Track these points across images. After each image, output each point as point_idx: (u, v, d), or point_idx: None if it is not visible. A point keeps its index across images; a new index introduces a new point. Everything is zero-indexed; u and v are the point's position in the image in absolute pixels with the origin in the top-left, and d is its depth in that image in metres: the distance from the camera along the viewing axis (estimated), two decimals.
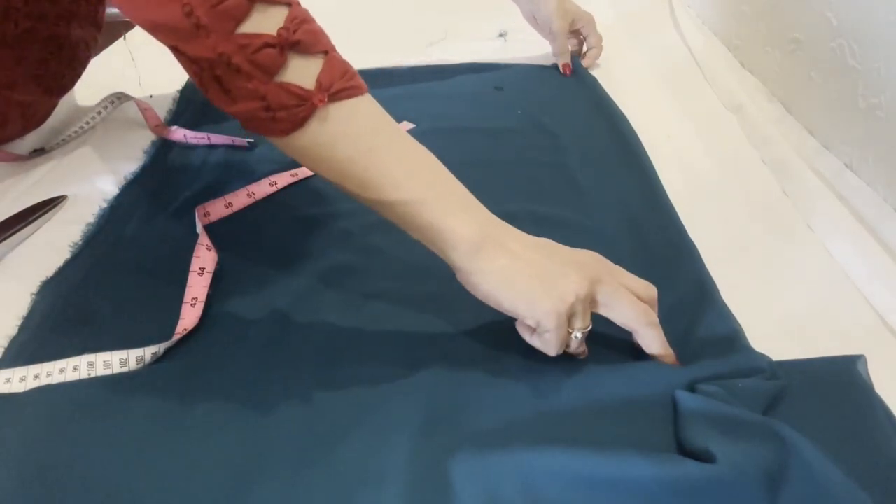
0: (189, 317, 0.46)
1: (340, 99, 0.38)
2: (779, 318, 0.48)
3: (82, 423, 0.39)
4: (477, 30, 0.97)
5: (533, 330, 0.41)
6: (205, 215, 0.56)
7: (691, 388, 0.40)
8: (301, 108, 0.37)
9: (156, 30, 0.36)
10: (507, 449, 0.36)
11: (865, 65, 0.59)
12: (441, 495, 0.35)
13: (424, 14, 1.02)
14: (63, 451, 0.38)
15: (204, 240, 0.51)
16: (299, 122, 0.37)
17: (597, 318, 0.41)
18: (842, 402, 0.39)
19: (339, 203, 0.59)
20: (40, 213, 0.57)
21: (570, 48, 0.82)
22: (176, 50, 0.36)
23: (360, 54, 0.82)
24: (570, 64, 0.82)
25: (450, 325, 0.47)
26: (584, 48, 0.86)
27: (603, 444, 0.37)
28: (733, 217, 0.59)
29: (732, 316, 0.47)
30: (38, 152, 0.66)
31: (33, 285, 0.50)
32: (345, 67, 0.39)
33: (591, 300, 0.39)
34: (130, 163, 0.65)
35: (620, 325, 0.41)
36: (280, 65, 0.36)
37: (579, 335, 0.40)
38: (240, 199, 0.59)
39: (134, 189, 0.62)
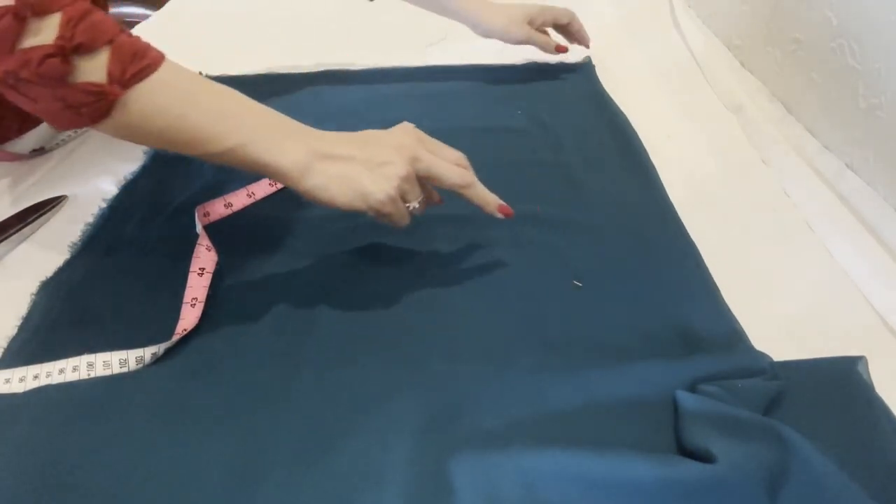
0: (189, 317, 0.46)
1: (136, 82, 0.39)
2: (779, 318, 0.47)
3: (82, 423, 0.39)
4: None
5: (380, 213, 0.45)
6: (204, 215, 0.56)
7: (691, 388, 0.40)
8: (100, 103, 0.38)
9: None
10: (507, 449, 0.36)
11: (866, 65, 0.59)
12: (441, 495, 0.35)
13: (424, 14, 1.02)
14: (63, 451, 0.38)
15: (204, 240, 0.51)
16: (104, 114, 0.38)
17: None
18: (842, 403, 0.39)
19: None
20: (40, 213, 0.57)
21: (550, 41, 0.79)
22: None
23: (360, 54, 0.82)
24: (562, 46, 0.79)
25: (450, 325, 0.47)
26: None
27: (603, 444, 0.37)
28: (733, 217, 0.59)
29: (732, 316, 0.47)
30: (38, 152, 0.66)
31: (33, 285, 0.50)
32: (133, 49, 0.39)
33: (416, 174, 0.45)
34: (130, 163, 0.65)
35: (447, 188, 0.46)
36: (66, 71, 0.37)
37: (416, 205, 0.46)
38: (240, 199, 0.59)
39: (134, 189, 0.62)
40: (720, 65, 0.84)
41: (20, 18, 0.35)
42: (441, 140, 0.69)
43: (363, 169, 0.44)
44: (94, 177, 0.63)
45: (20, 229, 0.55)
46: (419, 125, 0.71)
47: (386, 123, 0.71)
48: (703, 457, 0.35)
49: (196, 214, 0.55)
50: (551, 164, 0.65)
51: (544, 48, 0.79)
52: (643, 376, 0.41)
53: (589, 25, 0.81)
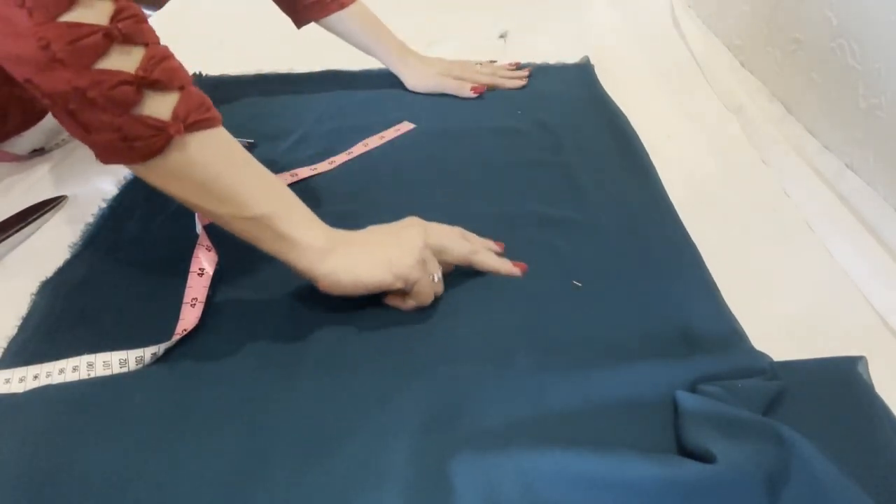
0: (189, 317, 0.46)
1: (196, 130, 0.39)
2: (779, 318, 0.48)
3: (82, 424, 0.39)
4: (477, 30, 0.97)
5: (404, 294, 0.46)
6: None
7: (691, 388, 0.40)
8: (157, 137, 0.38)
9: (8, 61, 0.36)
10: (507, 449, 0.36)
11: (866, 65, 0.59)
12: (441, 495, 0.35)
13: (425, 14, 1.02)
14: (63, 452, 0.38)
15: (204, 240, 0.51)
16: (157, 151, 0.39)
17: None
18: (842, 403, 0.39)
19: (339, 203, 0.59)
20: (40, 213, 0.57)
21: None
22: (29, 82, 0.36)
23: (361, 55, 0.82)
24: (478, 87, 0.78)
25: (450, 325, 0.47)
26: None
27: (603, 444, 0.37)
28: (733, 217, 0.59)
29: (732, 316, 0.47)
30: (38, 152, 0.66)
31: (33, 285, 0.50)
32: (201, 100, 0.41)
33: (431, 248, 0.47)
34: None
35: (456, 261, 0.49)
36: (136, 101, 0.37)
37: (437, 275, 0.47)
38: None
39: (134, 189, 0.62)
40: (720, 65, 0.84)
41: (108, 39, 0.36)
42: (442, 140, 0.69)
43: (382, 246, 0.45)
44: (94, 177, 0.63)
45: (20, 229, 0.55)
46: (420, 125, 0.72)
47: (386, 124, 0.72)
48: (703, 457, 0.35)
49: (196, 215, 0.55)
50: (551, 164, 0.65)
51: (457, 92, 0.78)
52: (643, 376, 0.41)
53: (589, 26, 0.81)
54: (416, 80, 0.79)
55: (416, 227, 0.47)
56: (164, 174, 0.41)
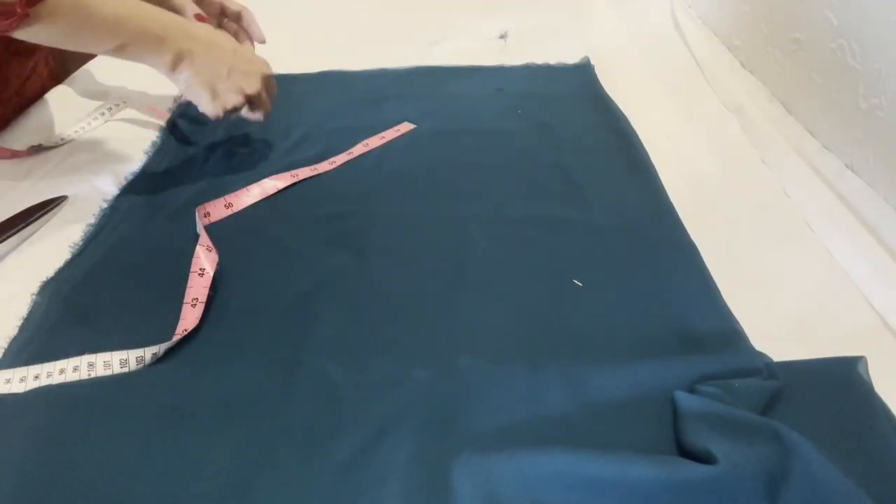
0: (189, 317, 0.46)
1: (37, 2, 0.48)
2: (779, 318, 0.48)
3: (82, 424, 0.39)
4: (477, 30, 0.97)
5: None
6: (205, 215, 0.56)
7: (690, 388, 0.40)
8: (12, 20, 0.47)
9: None
10: (507, 450, 0.36)
11: (866, 65, 0.59)
12: (441, 496, 0.35)
13: (425, 14, 1.02)
14: (63, 452, 0.38)
15: (204, 240, 0.51)
16: (15, 26, 0.48)
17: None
18: (842, 404, 0.39)
19: (339, 203, 0.59)
20: (40, 213, 0.57)
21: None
22: None
23: (360, 55, 0.83)
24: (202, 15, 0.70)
25: (449, 325, 0.47)
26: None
27: (603, 445, 0.37)
28: (733, 217, 0.59)
29: (732, 316, 0.47)
30: (36, 149, 0.66)
31: (33, 285, 0.50)
32: None
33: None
34: (130, 163, 0.65)
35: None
36: None
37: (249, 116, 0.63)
38: (240, 199, 0.59)
39: (134, 189, 0.62)
40: (720, 65, 0.84)
41: None
42: (442, 140, 0.69)
43: (209, 84, 0.58)
44: (94, 177, 0.63)
45: (21, 229, 0.55)
46: (420, 125, 0.72)
47: (387, 124, 0.72)
48: (703, 457, 0.35)
49: (197, 215, 0.55)
50: (551, 165, 0.65)
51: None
52: (643, 376, 0.41)
53: (589, 26, 0.81)
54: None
55: (246, 83, 0.60)
56: (31, 37, 0.50)
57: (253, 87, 0.61)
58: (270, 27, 0.84)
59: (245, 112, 0.63)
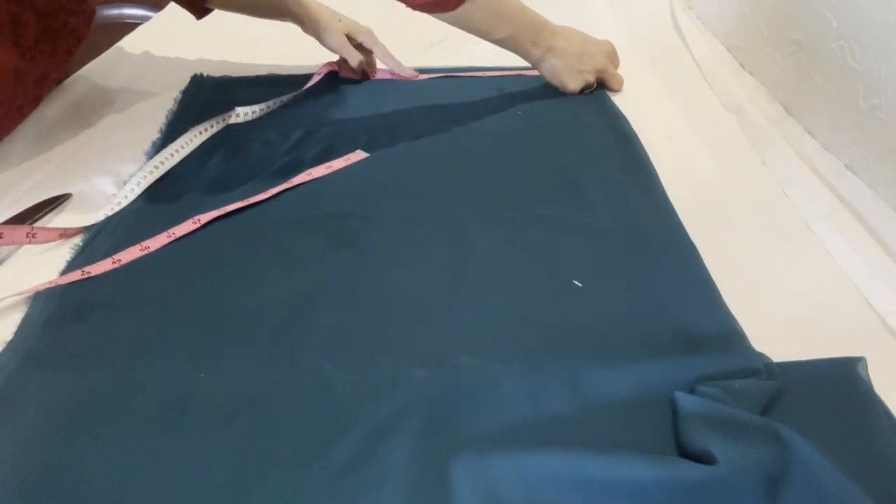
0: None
1: None
2: (779, 318, 0.48)
3: (82, 424, 0.39)
4: None
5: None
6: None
7: (689, 388, 0.40)
8: (453, 2, 0.65)
9: None
10: (507, 450, 0.36)
11: (866, 66, 0.59)
12: (441, 495, 0.35)
13: (425, 15, 1.02)
14: (63, 452, 0.38)
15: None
16: (453, 7, 0.66)
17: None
18: (842, 404, 0.39)
19: (339, 204, 0.59)
20: (44, 210, 0.57)
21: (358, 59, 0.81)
22: None
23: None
24: (367, 73, 0.83)
25: (449, 326, 0.47)
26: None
27: (603, 445, 0.37)
28: (733, 218, 0.59)
29: (732, 316, 0.47)
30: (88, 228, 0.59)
31: (33, 285, 0.50)
32: None
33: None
34: (130, 163, 0.65)
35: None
36: None
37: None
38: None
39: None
40: (720, 66, 0.84)
41: None
42: (442, 141, 0.69)
43: (569, 69, 0.76)
44: (94, 177, 0.63)
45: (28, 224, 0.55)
46: (420, 126, 0.72)
47: (387, 125, 0.72)
48: (703, 457, 0.35)
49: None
50: (551, 165, 0.65)
51: (351, 61, 0.80)
52: (642, 376, 0.41)
53: (589, 27, 0.81)
54: (318, 32, 0.80)
55: (598, 62, 0.78)
56: (454, 19, 0.68)
57: (601, 63, 0.77)
58: (271, 27, 0.84)
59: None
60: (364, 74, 0.83)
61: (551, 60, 0.74)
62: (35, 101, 0.70)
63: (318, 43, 0.81)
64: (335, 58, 0.82)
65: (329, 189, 0.62)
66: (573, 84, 0.76)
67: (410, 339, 0.45)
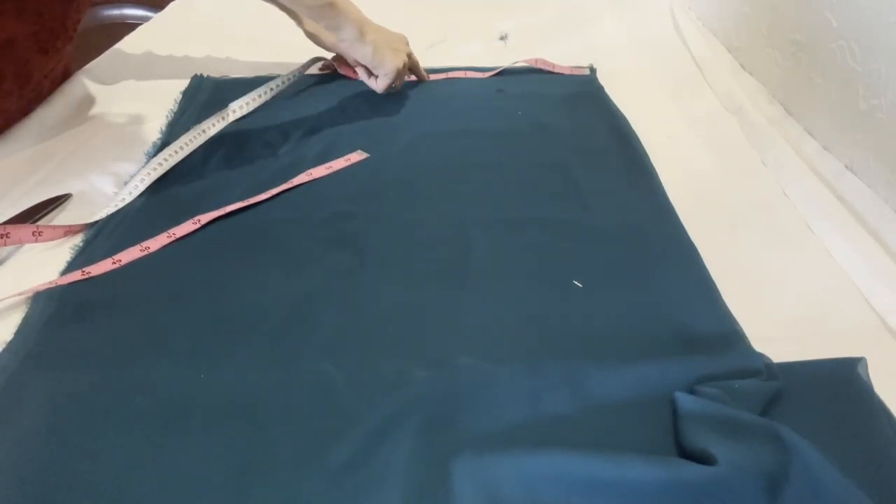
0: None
1: None
2: (779, 319, 0.48)
3: (82, 425, 0.39)
4: (477, 32, 0.97)
5: (371, 75, 0.76)
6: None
7: (690, 389, 0.40)
8: None
9: None
10: (507, 450, 0.36)
11: (866, 66, 0.59)
12: (441, 495, 0.35)
13: (425, 16, 1.02)
14: (63, 453, 0.38)
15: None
16: None
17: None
18: (842, 405, 0.39)
19: (340, 204, 0.59)
20: (45, 211, 0.57)
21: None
22: None
23: None
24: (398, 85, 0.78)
25: (449, 326, 0.47)
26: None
27: (603, 445, 0.37)
28: (733, 217, 0.59)
29: (732, 316, 0.47)
30: (91, 225, 0.57)
31: (33, 286, 0.50)
32: None
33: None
34: (130, 163, 0.65)
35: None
36: None
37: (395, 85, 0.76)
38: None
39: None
40: (720, 66, 0.84)
41: None
42: (442, 142, 0.70)
43: (386, 47, 0.73)
44: (94, 177, 0.63)
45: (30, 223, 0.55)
46: (420, 126, 0.72)
47: (387, 125, 0.72)
48: (703, 458, 0.35)
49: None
50: (551, 165, 0.65)
51: (347, 57, 0.77)
52: (643, 376, 0.41)
53: (589, 27, 0.81)
54: (314, 27, 0.77)
55: (403, 48, 0.75)
56: None
57: (407, 47, 0.76)
58: (271, 27, 0.84)
59: (400, 80, 0.76)
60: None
61: (371, 35, 0.70)
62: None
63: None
64: (330, 55, 0.82)
65: (329, 189, 0.62)
66: (395, 62, 0.73)
67: (410, 340, 0.45)
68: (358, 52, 0.72)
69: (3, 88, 0.65)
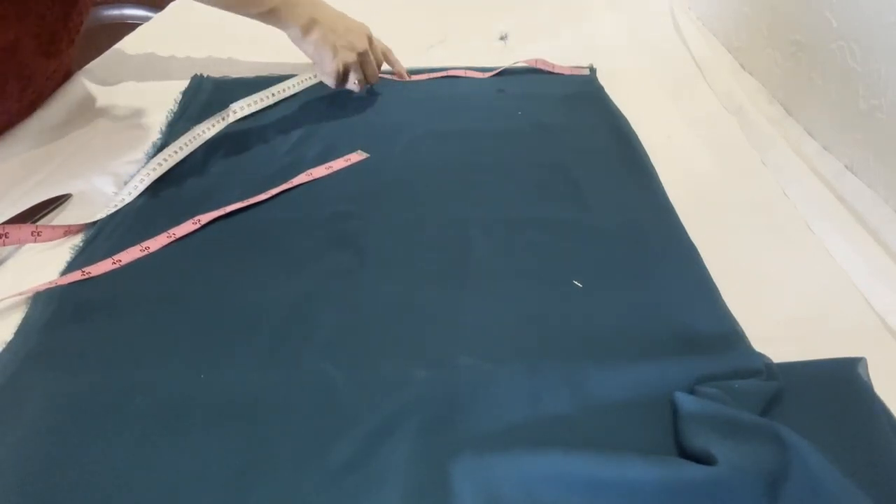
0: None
1: None
2: (779, 319, 0.48)
3: (82, 425, 0.39)
4: (478, 32, 0.97)
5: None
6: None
7: (690, 389, 0.40)
8: None
9: None
10: (507, 450, 0.36)
11: (866, 66, 0.59)
12: (441, 495, 0.35)
13: (425, 16, 1.02)
14: (63, 453, 0.38)
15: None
16: None
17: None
18: (842, 405, 0.39)
19: (339, 204, 0.59)
20: (45, 211, 0.57)
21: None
22: None
23: None
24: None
25: (449, 326, 0.47)
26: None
27: (603, 445, 0.37)
28: (733, 218, 0.59)
29: (732, 316, 0.47)
30: (90, 225, 0.57)
31: (33, 286, 0.50)
32: None
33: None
34: (130, 163, 0.65)
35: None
36: None
37: (355, 84, 0.74)
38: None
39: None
40: (720, 66, 0.84)
41: None
42: (442, 142, 0.70)
43: (331, 47, 0.70)
44: (94, 177, 0.63)
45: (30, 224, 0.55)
46: (420, 126, 0.72)
47: (388, 125, 0.72)
48: (703, 458, 0.35)
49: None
50: (551, 166, 0.65)
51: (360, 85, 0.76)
52: (643, 377, 0.41)
53: (589, 28, 0.81)
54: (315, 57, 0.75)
55: (357, 43, 0.71)
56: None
57: (362, 44, 0.72)
58: (272, 28, 0.84)
59: (352, 80, 0.74)
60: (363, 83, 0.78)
61: (314, 34, 0.69)
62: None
63: None
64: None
65: (329, 189, 0.62)
66: (335, 63, 0.71)
67: (410, 340, 0.45)
68: (302, 51, 0.72)
69: (5, 90, 0.65)
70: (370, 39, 0.74)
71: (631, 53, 0.92)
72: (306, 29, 0.69)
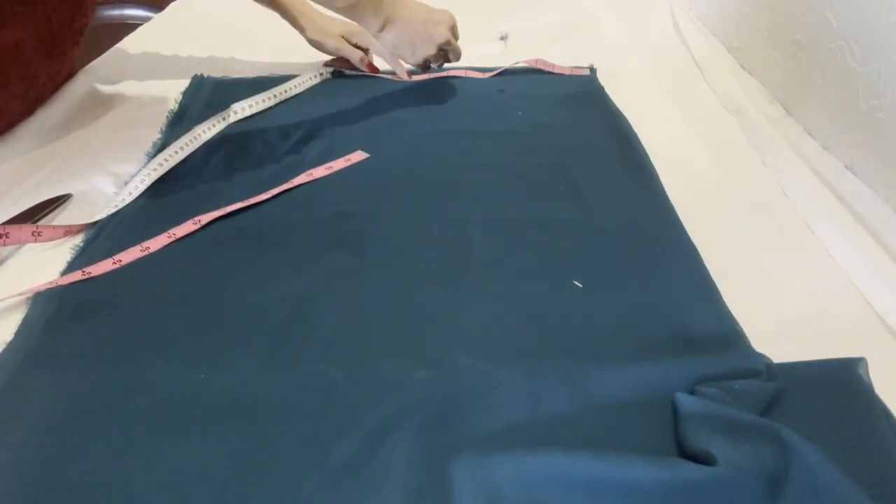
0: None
1: None
2: (779, 319, 0.48)
3: (82, 425, 0.39)
4: (478, 32, 0.97)
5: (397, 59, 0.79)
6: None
7: (690, 389, 0.40)
8: None
9: None
10: (507, 451, 0.36)
11: (866, 66, 0.59)
12: (441, 495, 0.35)
13: None
14: (63, 453, 0.38)
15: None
16: None
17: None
18: (842, 405, 0.39)
19: (339, 204, 0.59)
20: (45, 211, 0.57)
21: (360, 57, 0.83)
22: None
23: None
24: (373, 66, 0.84)
25: (449, 326, 0.47)
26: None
27: (603, 445, 0.37)
28: (733, 218, 0.59)
29: (732, 316, 0.47)
30: (91, 225, 0.60)
31: (33, 286, 0.50)
32: None
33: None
34: (130, 163, 0.65)
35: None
36: None
37: (434, 65, 0.78)
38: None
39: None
40: (720, 66, 0.84)
41: None
42: (443, 142, 0.70)
43: (412, 39, 0.72)
44: (94, 177, 0.63)
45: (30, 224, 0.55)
46: (421, 127, 0.72)
47: (388, 125, 0.72)
48: (703, 458, 0.35)
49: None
50: (551, 166, 0.65)
51: (351, 59, 0.82)
52: (643, 377, 0.41)
53: (589, 28, 0.81)
54: (316, 34, 0.81)
55: (440, 34, 0.73)
56: None
57: (442, 36, 0.73)
58: (271, 28, 0.84)
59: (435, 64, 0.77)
60: (371, 67, 0.83)
61: (392, 32, 0.70)
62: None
63: None
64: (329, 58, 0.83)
65: (329, 189, 0.62)
66: (413, 58, 0.74)
67: (410, 340, 0.45)
68: (381, 44, 0.74)
69: (9, 91, 0.65)
70: (452, 28, 0.75)
71: (631, 53, 0.92)
72: (382, 25, 0.70)
